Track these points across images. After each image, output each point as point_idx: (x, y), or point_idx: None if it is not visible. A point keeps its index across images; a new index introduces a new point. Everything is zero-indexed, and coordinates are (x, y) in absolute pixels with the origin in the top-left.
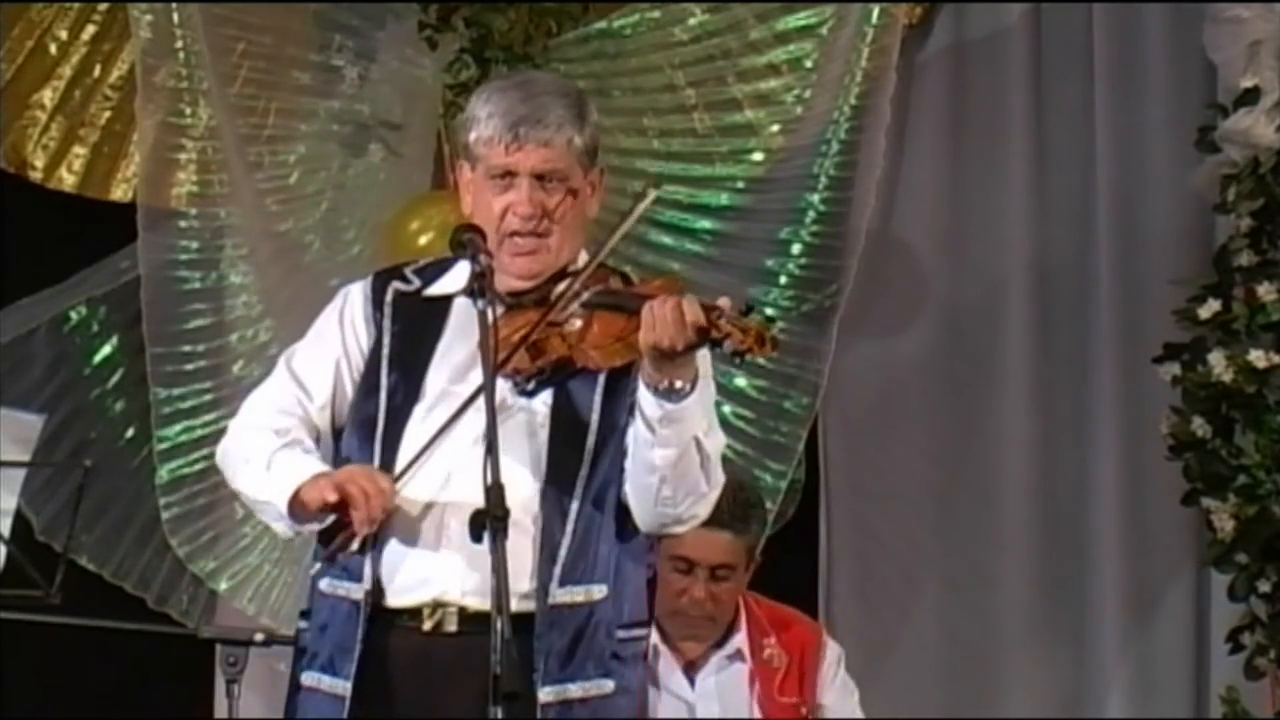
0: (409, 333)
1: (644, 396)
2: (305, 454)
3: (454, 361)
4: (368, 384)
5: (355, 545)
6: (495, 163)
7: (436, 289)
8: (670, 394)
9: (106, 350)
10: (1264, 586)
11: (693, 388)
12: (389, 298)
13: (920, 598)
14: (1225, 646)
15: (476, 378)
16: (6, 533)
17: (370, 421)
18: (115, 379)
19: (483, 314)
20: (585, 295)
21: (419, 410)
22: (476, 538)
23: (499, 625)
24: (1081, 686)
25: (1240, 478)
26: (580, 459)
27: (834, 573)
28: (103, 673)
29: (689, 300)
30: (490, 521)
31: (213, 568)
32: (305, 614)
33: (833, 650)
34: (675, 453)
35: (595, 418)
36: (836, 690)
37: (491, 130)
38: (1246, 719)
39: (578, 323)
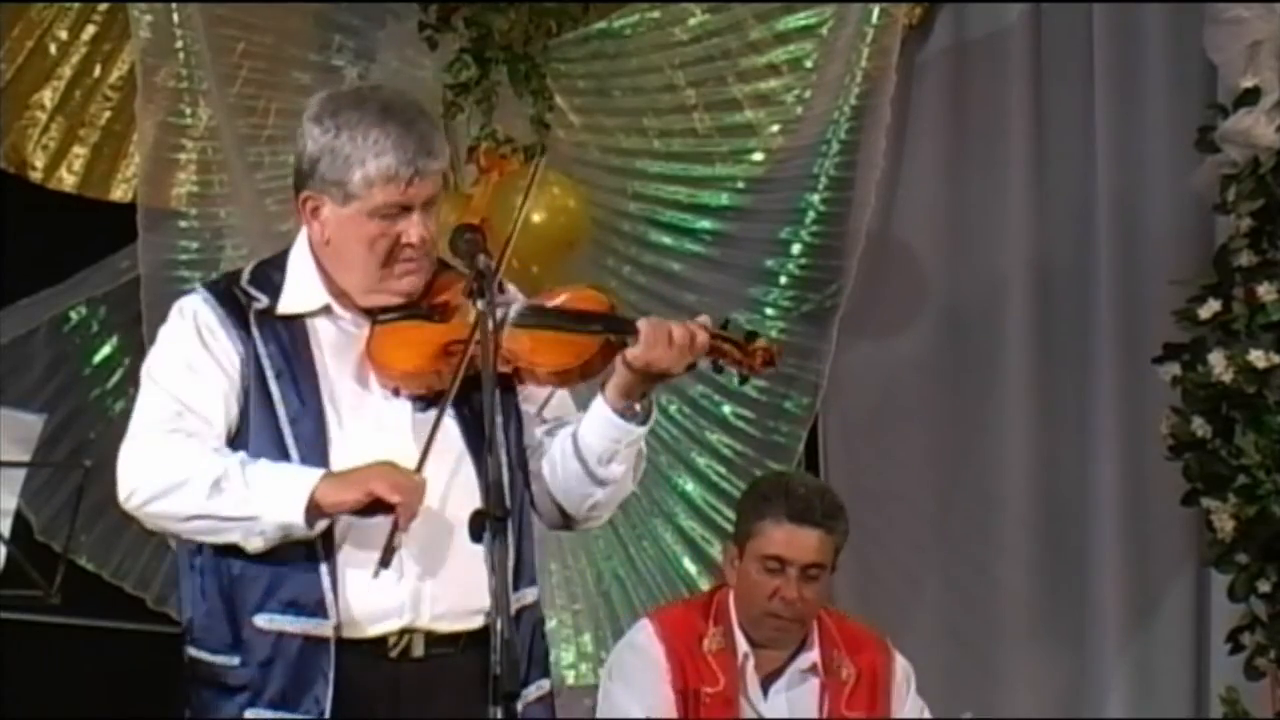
0: (286, 353)
1: (610, 420)
2: (276, 463)
3: (345, 383)
4: (261, 416)
5: (399, 542)
6: (391, 200)
7: (287, 307)
8: (635, 416)
9: (106, 350)
10: (1264, 586)
11: (653, 406)
12: (252, 317)
13: (920, 598)
14: (1225, 646)
15: (378, 395)
16: (6, 533)
17: (282, 452)
18: (115, 379)
19: (483, 314)
20: (513, 312)
21: (338, 446)
22: (476, 538)
23: (499, 625)
24: (1081, 686)
25: (1240, 478)
26: (499, 465)
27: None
28: (103, 673)
29: (693, 323)
30: (490, 522)
31: None
32: (217, 649)
33: (901, 668)
34: (627, 467)
35: (500, 421)
36: (908, 709)
37: (385, 168)
38: (1246, 719)
39: (520, 337)
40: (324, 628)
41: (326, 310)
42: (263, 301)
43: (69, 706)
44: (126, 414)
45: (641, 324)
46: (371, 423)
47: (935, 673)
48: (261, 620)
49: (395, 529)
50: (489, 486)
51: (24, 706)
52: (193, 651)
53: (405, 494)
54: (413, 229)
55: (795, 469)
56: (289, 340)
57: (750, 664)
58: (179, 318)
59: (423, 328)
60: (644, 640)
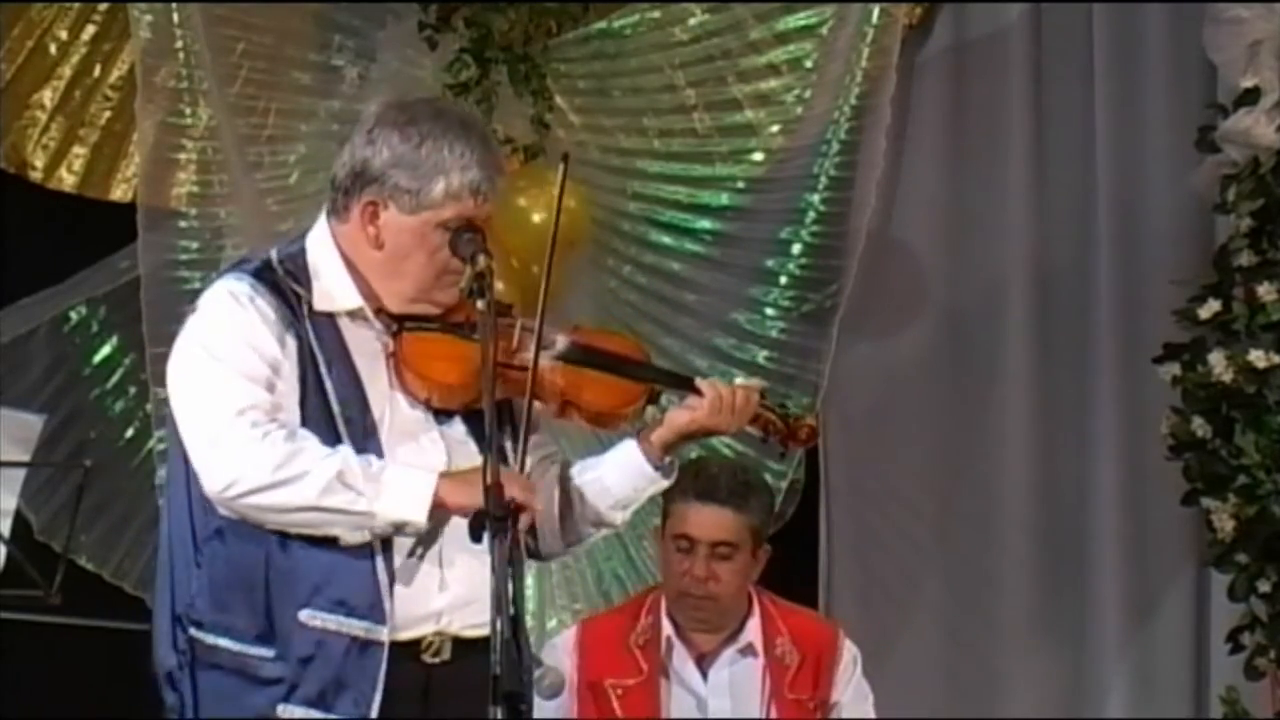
0: (330, 348)
1: (644, 471)
2: (385, 461)
3: (375, 385)
4: (316, 408)
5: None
6: (464, 213)
7: (323, 303)
8: (667, 470)
9: (106, 350)
10: (1264, 586)
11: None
12: (304, 309)
13: (920, 598)
14: (1225, 646)
15: (403, 401)
16: (6, 533)
17: (336, 443)
18: (115, 379)
19: (483, 313)
20: (559, 346)
21: (394, 446)
22: (476, 537)
23: (499, 625)
24: (1081, 686)
25: (1240, 478)
26: (499, 466)
27: (834, 573)
28: (103, 673)
29: (744, 387)
30: (490, 522)
31: None
32: (242, 638)
33: (849, 651)
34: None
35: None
36: (852, 691)
37: (470, 182)
38: (1246, 719)
39: (565, 372)
40: (378, 632)
41: (357, 312)
42: (306, 295)
43: (69, 706)
44: (127, 414)
45: (703, 386)
46: (403, 427)
47: (935, 673)
48: (303, 615)
49: (516, 527)
50: (489, 487)
51: (24, 706)
52: (205, 636)
53: (533, 496)
54: None
55: (797, 466)
56: (329, 335)
57: (677, 648)
58: (236, 304)
59: (462, 344)
60: (558, 642)
